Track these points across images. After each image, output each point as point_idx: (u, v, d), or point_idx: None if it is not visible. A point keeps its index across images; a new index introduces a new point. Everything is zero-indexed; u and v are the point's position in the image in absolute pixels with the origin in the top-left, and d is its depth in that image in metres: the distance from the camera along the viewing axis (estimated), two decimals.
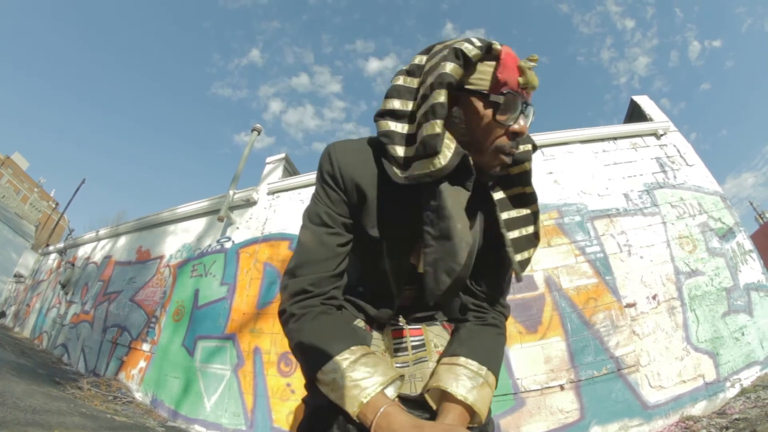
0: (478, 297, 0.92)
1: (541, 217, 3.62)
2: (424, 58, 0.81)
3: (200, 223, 5.46)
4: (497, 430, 2.92)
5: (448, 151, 0.73)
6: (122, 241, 6.93)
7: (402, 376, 0.76)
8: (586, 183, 3.84)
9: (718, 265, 3.48)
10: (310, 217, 0.85)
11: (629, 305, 3.23)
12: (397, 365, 0.90)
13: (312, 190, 4.87)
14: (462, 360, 0.81)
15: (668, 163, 4.04)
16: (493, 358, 0.85)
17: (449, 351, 0.86)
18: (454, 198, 0.74)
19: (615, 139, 4.19)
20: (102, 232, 7.84)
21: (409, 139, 0.77)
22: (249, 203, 5.01)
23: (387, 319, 0.95)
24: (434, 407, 0.78)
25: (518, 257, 0.82)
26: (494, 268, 0.89)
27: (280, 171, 5.27)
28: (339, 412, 0.70)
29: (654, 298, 3.27)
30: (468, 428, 0.75)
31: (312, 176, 4.72)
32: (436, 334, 0.97)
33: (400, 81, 0.81)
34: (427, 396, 0.79)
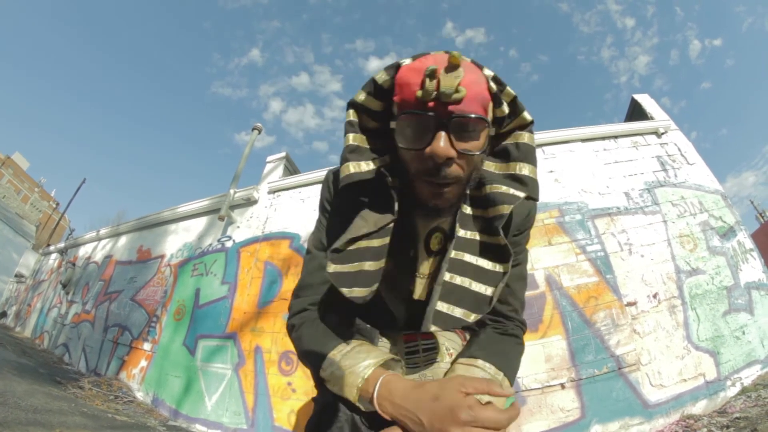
0: (493, 312, 0.88)
1: (542, 215, 3.65)
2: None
3: (201, 223, 5.46)
4: None
5: (366, 166, 0.74)
6: (123, 240, 6.93)
7: (398, 360, 0.79)
8: (586, 181, 3.83)
9: (718, 263, 3.48)
10: (313, 242, 0.90)
11: (630, 304, 3.23)
12: (409, 367, 0.89)
13: (313, 189, 4.88)
14: (480, 363, 0.78)
15: (669, 161, 4.03)
16: (510, 366, 0.82)
17: (467, 353, 0.84)
18: (375, 219, 0.74)
19: (616, 137, 4.18)
20: (103, 231, 7.85)
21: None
22: (250, 202, 5.01)
23: (395, 331, 0.95)
24: None
25: (440, 306, 0.71)
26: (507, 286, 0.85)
27: (280, 170, 5.26)
28: (344, 405, 0.71)
29: (655, 296, 3.27)
30: None
31: (312, 175, 4.72)
32: (448, 338, 0.97)
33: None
34: None
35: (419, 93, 0.63)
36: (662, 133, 4.23)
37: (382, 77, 0.70)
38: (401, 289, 0.86)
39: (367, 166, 0.74)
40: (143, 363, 4.70)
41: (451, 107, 0.63)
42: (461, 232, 0.75)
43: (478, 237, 0.76)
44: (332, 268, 0.72)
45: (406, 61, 0.68)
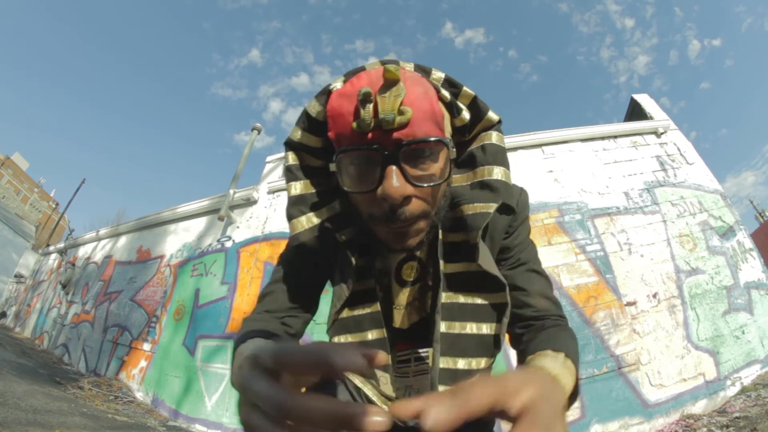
0: (517, 320, 0.72)
1: (542, 215, 3.66)
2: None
3: (201, 223, 5.46)
4: (497, 428, 2.92)
5: (308, 222, 0.66)
6: (122, 240, 6.93)
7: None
8: (586, 181, 3.83)
9: (718, 263, 3.48)
10: (281, 260, 0.82)
11: (630, 304, 3.23)
12: (397, 375, 0.79)
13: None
14: (537, 356, 0.57)
15: (668, 161, 4.03)
16: (566, 345, 0.58)
17: (517, 364, 0.70)
18: (347, 284, 0.66)
19: (615, 137, 4.19)
20: (102, 231, 7.84)
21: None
22: (249, 202, 5.01)
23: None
24: None
25: (444, 362, 0.62)
26: (521, 290, 0.71)
27: (280, 170, 5.26)
28: None
29: (654, 296, 3.27)
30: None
31: None
32: None
33: None
34: None
35: (355, 125, 0.52)
36: (662, 133, 4.24)
37: (314, 108, 0.60)
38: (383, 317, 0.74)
39: (314, 220, 0.65)
40: (143, 363, 4.70)
41: (396, 134, 0.52)
42: (448, 267, 0.65)
43: (465, 267, 0.65)
44: (336, 339, 0.67)
45: (337, 85, 0.57)
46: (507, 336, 0.75)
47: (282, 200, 4.78)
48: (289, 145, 0.65)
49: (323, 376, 0.46)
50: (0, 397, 2.65)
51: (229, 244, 4.80)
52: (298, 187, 0.66)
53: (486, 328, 0.63)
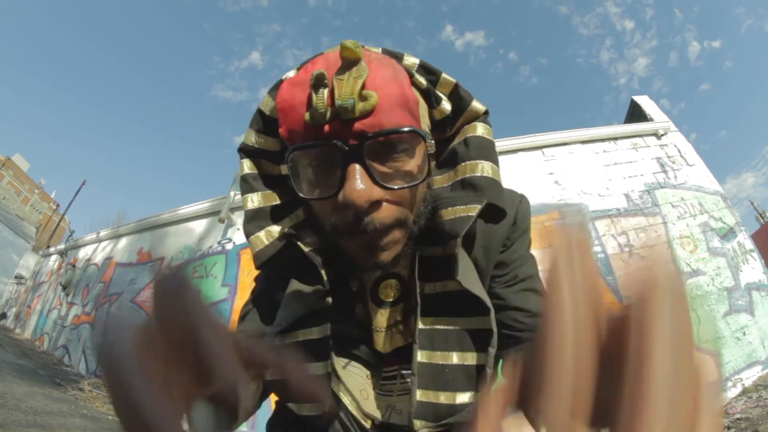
0: (522, 341, 0.63)
1: (542, 218, 3.65)
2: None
3: (201, 225, 5.46)
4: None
5: (276, 233, 0.55)
6: (123, 242, 6.93)
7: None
8: (586, 183, 3.83)
9: (719, 264, 3.48)
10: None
11: None
12: (380, 393, 0.67)
13: None
14: None
15: (669, 163, 4.04)
16: None
17: None
18: (308, 299, 0.56)
19: (615, 139, 4.19)
20: (103, 233, 7.84)
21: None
22: None
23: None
24: None
25: (421, 395, 0.52)
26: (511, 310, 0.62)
27: None
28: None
29: None
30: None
31: None
32: None
33: None
34: None
35: (307, 116, 0.43)
36: (662, 135, 4.24)
37: (267, 105, 0.52)
38: (363, 340, 0.65)
39: (274, 233, 0.55)
40: None
41: (358, 125, 0.42)
42: (426, 288, 0.55)
43: (445, 287, 0.54)
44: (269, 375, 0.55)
45: (290, 74, 0.49)
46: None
47: None
48: (244, 151, 0.56)
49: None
50: (0, 399, 2.65)
51: (229, 246, 4.81)
52: (255, 200, 0.56)
53: (471, 358, 0.53)
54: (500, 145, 3.82)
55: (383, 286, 0.61)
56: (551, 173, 3.89)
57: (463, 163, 0.55)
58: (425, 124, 0.51)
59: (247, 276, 4.37)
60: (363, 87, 0.42)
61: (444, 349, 0.54)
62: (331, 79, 0.42)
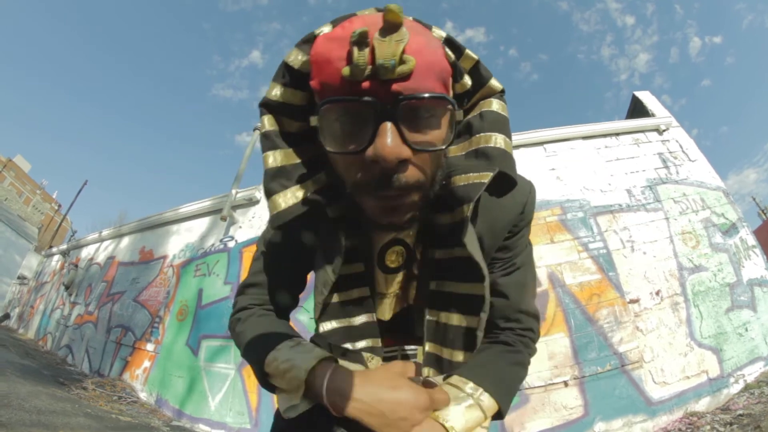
0: (490, 324, 0.70)
1: (544, 213, 3.65)
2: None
3: (203, 223, 5.47)
4: (501, 427, 2.92)
5: (294, 197, 0.56)
6: (125, 241, 6.95)
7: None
8: (588, 179, 3.83)
9: (721, 260, 3.47)
10: (263, 244, 0.77)
11: (633, 301, 3.23)
12: None
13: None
14: (453, 379, 0.61)
15: (670, 158, 4.02)
16: (494, 378, 0.62)
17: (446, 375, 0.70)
18: (331, 265, 0.60)
19: (617, 134, 4.18)
20: (105, 233, 7.86)
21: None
22: (251, 202, 5.02)
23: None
24: None
25: (429, 347, 0.61)
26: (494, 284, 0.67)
27: None
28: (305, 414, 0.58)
29: (657, 293, 3.27)
30: None
31: None
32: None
33: None
34: None
35: (346, 70, 0.43)
36: (664, 130, 4.23)
37: (296, 58, 0.51)
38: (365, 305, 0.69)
39: (298, 195, 0.56)
40: (146, 363, 4.71)
41: (395, 86, 0.44)
42: (437, 253, 0.61)
43: (451, 254, 0.59)
44: (322, 328, 0.63)
45: (324, 29, 0.49)
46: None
47: None
48: (266, 106, 0.55)
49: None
50: (4, 399, 2.67)
51: (231, 244, 4.81)
52: (277, 158, 0.56)
53: (466, 321, 0.59)
54: None
55: (390, 253, 0.66)
56: (553, 169, 3.89)
57: (477, 135, 0.57)
58: (452, 95, 0.53)
59: None
60: (403, 51, 0.43)
61: (447, 310, 0.60)
62: (371, 39, 0.43)
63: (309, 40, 0.50)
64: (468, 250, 0.55)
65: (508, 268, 0.68)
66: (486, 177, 0.53)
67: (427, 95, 0.45)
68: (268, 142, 0.56)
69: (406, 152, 0.45)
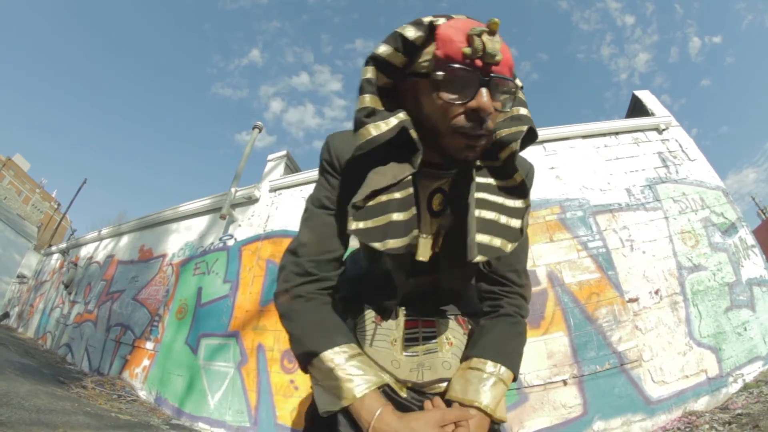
0: (489, 280, 0.94)
1: (543, 212, 3.66)
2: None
3: (202, 221, 5.47)
4: (500, 426, 2.92)
5: (385, 125, 0.73)
6: (124, 240, 6.95)
7: (386, 384, 0.81)
8: (587, 178, 3.83)
9: (720, 260, 3.47)
10: (312, 202, 0.89)
11: (632, 300, 3.23)
12: (407, 354, 0.89)
13: (314, 187, 4.90)
14: (474, 362, 0.84)
15: (670, 158, 4.02)
16: (506, 352, 0.86)
17: (464, 355, 0.90)
18: (392, 173, 0.76)
19: (617, 133, 4.18)
20: (104, 231, 7.86)
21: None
22: (251, 201, 5.02)
23: (393, 307, 0.95)
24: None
25: (480, 237, 0.75)
26: None
27: (281, 168, 5.26)
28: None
29: (656, 293, 3.27)
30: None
31: (314, 173, 4.71)
32: (450, 328, 0.96)
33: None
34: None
35: (467, 50, 0.65)
36: (663, 130, 4.22)
37: (413, 32, 0.69)
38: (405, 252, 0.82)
39: (386, 126, 0.73)
40: (146, 362, 4.71)
41: (493, 68, 0.67)
42: (478, 179, 0.80)
43: (493, 182, 0.81)
44: (355, 225, 0.74)
45: (440, 20, 0.69)
46: (467, 292, 1.04)
47: (283, 199, 4.78)
48: (374, 59, 0.73)
49: None
50: (4, 397, 2.66)
51: (231, 242, 4.81)
52: (371, 100, 0.74)
53: (512, 222, 0.79)
54: None
55: (435, 198, 0.86)
56: (552, 168, 3.89)
57: (511, 108, 0.77)
58: None
59: (249, 272, 4.38)
60: (500, 48, 0.67)
61: (491, 211, 0.79)
62: (481, 36, 0.65)
63: (422, 24, 0.69)
64: (519, 172, 0.80)
65: None
66: (524, 128, 0.77)
67: (508, 78, 0.69)
68: (369, 86, 0.74)
69: (492, 108, 0.67)
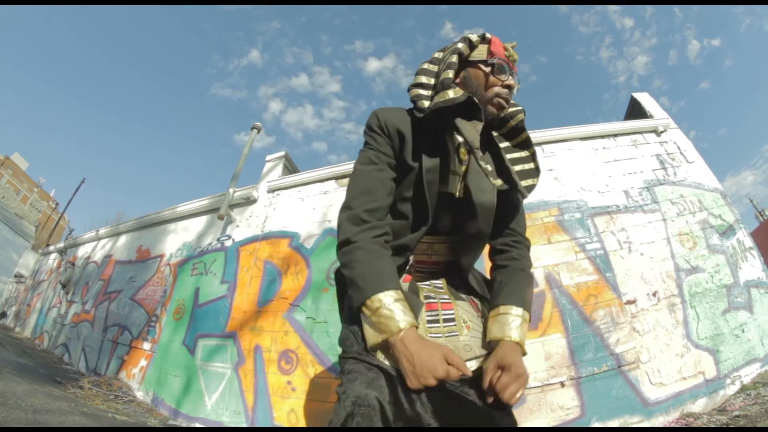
0: (502, 235, 1.21)
1: (541, 214, 3.66)
2: (441, 53, 1.19)
3: (200, 222, 5.46)
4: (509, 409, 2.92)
5: (456, 93, 1.06)
6: (122, 240, 6.93)
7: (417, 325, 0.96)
8: (586, 180, 3.83)
9: (718, 262, 3.48)
10: (361, 161, 1.11)
11: (629, 302, 3.23)
12: (431, 336, 1.02)
13: (312, 188, 4.86)
14: (502, 309, 1.08)
15: (668, 160, 4.03)
16: (525, 300, 1.10)
17: (492, 303, 1.13)
18: (469, 126, 1.09)
19: (615, 135, 4.18)
20: (102, 231, 7.84)
21: (431, 98, 1.10)
22: (249, 201, 5.01)
23: (419, 239, 1.14)
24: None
25: (523, 183, 1.12)
26: (508, 202, 1.18)
27: (279, 169, 5.26)
28: (358, 338, 0.99)
29: (654, 295, 3.27)
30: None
31: (312, 174, 4.71)
32: (465, 310, 1.10)
33: (426, 66, 1.18)
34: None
35: (507, 53, 1.13)
36: (662, 132, 4.23)
37: (474, 38, 1.13)
38: (442, 183, 1.11)
39: (454, 93, 1.06)
40: (143, 362, 4.70)
41: (513, 66, 1.13)
42: (494, 134, 1.18)
43: (507, 143, 1.19)
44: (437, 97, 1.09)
45: (489, 35, 1.14)
46: (488, 247, 1.25)
47: (281, 199, 4.78)
48: (459, 53, 1.11)
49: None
50: (0, 397, 2.65)
51: (228, 243, 4.80)
52: (452, 75, 1.10)
53: (531, 165, 1.17)
54: None
55: (461, 148, 1.12)
56: (551, 169, 3.89)
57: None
58: None
59: (246, 273, 4.37)
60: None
61: (512, 163, 1.15)
62: (511, 48, 1.15)
63: (479, 35, 1.15)
64: (526, 132, 1.19)
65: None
66: (521, 108, 1.21)
67: (517, 74, 1.14)
68: (457, 67, 1.13)
69: (516, 85, 1.13)
